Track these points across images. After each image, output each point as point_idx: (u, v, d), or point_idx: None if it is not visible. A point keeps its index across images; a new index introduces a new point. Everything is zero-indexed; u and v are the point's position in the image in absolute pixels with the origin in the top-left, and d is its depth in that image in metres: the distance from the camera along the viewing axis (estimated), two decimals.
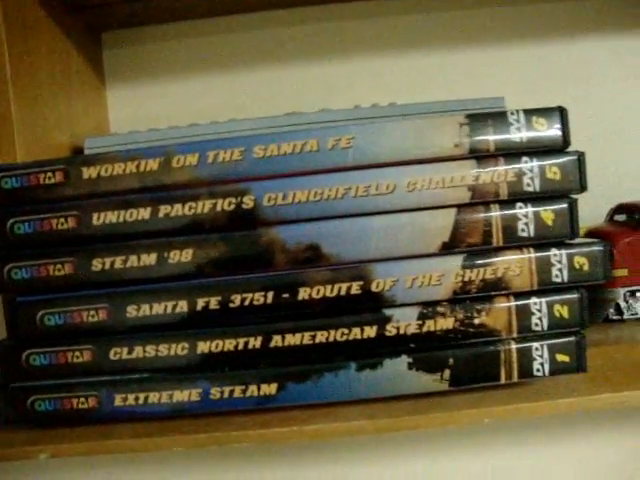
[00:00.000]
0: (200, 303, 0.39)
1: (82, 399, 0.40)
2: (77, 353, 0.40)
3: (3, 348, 0.41)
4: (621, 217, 0.55)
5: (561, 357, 0.40)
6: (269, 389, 0.39)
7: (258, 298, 0.39)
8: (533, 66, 0.64)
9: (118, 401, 0.40)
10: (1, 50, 0.46)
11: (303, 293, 0.39)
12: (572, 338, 0.40)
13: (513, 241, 0.39)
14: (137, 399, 0.40)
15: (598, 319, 0.53)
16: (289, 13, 0.64)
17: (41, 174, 0.39)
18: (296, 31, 0.64)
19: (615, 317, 0.53)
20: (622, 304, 0.53)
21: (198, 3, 0.60)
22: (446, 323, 0.39)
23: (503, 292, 0.39)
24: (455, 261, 0.39)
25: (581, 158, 0.39)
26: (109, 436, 0.41)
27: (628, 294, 0.52)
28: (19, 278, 0.40)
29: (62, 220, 0.39)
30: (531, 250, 0.39)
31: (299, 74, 0.65)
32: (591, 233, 0.54)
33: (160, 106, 0.65)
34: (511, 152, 0.39)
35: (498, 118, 0.39)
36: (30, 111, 0.49)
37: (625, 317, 0.53)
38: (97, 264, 0.39)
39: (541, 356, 0.40)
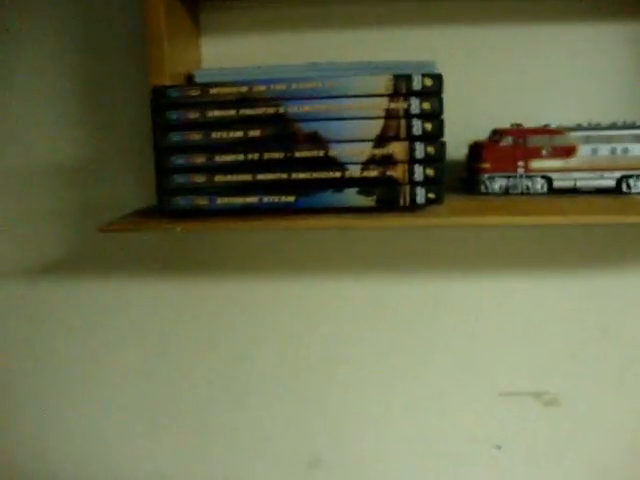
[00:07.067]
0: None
1: (201, 199, 0.85)
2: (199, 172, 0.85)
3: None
4: (494, 136, 0.97)
5: (431, 195, 0.83)
6: (291, 198, 0.84)
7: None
8: None
9: (219, 202, 0.85)
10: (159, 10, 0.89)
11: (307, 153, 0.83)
12: (437, 186, 0.83)
13: (410, 137, 0.82)
14: (226, 201, 0.85)
15: (474, 192, 0.96)
16: None
17: (188, 91, 0.83)
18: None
19: (483, 191, 0.96)
20: (487, 184, 0.95)
21: None
22: (373, 173, 0.82)
23: (397, 162, 0.82)
24: (369, 145, 0.82)
25: (441, 98, 0.81)
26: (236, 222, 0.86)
27: (488, 178, 0.95)
28: (173, 141, 0.84)
29: (197, 114, 0.83)
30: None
31: None
32: (474, 144, 0.96)
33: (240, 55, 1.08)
34: (409, 93, 0.81)
35: (407, 78, 0.81)
36: (170, 50, 0.92)
37: (488, 192, 0.96)
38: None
39: (421, 193, 0.83)
